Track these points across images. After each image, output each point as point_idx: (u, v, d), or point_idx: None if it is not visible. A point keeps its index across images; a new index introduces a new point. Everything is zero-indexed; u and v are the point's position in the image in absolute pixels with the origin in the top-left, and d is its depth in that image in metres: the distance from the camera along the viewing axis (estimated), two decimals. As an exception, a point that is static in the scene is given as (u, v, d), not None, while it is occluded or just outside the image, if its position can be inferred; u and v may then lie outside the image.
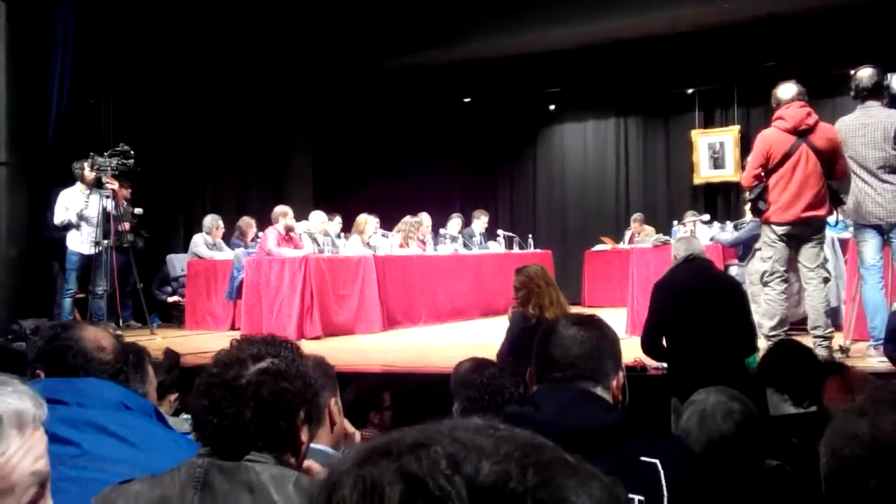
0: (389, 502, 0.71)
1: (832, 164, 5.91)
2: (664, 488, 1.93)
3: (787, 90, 6.03)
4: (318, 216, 10.15)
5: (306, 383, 1.86)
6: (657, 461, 1.96)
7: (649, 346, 5.16)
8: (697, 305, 5.00)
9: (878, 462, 1.19)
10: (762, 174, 5.99)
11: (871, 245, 5.92)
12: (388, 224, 10.91)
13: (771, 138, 5.95)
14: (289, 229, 9.52)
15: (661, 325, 5.12)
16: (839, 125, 5.99)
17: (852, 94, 6.03)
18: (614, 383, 2.16)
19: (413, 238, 10.80)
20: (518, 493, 0.71)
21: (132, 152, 8.59)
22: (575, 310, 5.60)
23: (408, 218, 10.96)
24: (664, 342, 5.14)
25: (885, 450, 1.20)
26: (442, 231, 11.50)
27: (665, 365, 5.33)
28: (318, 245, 9.59)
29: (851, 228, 6.43)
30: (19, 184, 8.64)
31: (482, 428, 0.77)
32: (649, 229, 11.70)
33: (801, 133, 5.87)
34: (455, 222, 11.86)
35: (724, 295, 5.10)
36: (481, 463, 0.73)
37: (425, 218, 11.29)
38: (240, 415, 1.73)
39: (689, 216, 10.66)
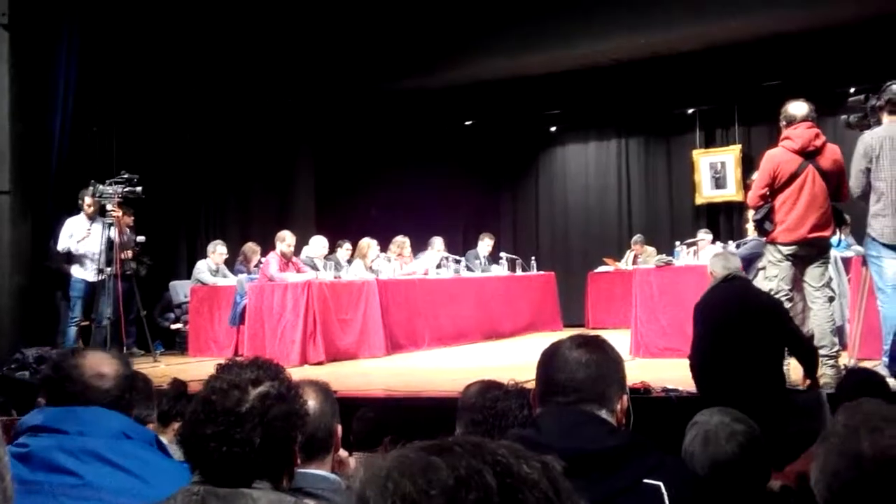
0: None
1: (838, 186, 5.84)
2: (668, 511, 1.91)
3: (798, 107, 5.90)
4: (318, 241, 10.15)
5: (301, 405, 1.89)
6: (661, 483, 1.94)
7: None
8: (733, 328, 4.93)
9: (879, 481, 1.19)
10: (768, 194, 5.91)
11: (894, 264, 5.69)
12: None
13: (778, 158, 5.87)
14: (286, 256, 9.48)
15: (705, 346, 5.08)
16: (865, 138, 5.69)
17: (879, 103, 5.72)
18: (619, 407, 2.12)
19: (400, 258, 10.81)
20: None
21: (136, 179, 8.61)
22: (578, 332, 5.56)
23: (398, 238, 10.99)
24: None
25: (886, 468, 1.19)
26: (444, 253, 11.48)
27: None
28: (320, 270, 9.59)
29: (854, 247, 6.36)
30: (23, 213, 8.63)
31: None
32: (650, 250, 11.72)
33: (809, 154, 5.77)
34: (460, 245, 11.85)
35: (761, 317, 5.01)
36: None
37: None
38: (248, 440, 1.73)
39: (702, 234, 10.78)
